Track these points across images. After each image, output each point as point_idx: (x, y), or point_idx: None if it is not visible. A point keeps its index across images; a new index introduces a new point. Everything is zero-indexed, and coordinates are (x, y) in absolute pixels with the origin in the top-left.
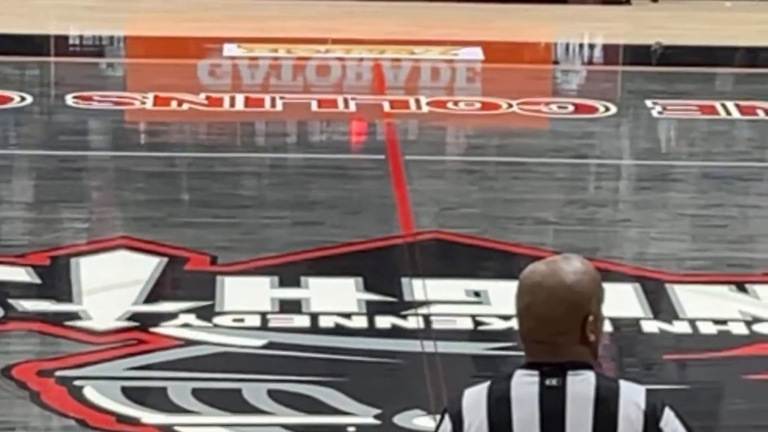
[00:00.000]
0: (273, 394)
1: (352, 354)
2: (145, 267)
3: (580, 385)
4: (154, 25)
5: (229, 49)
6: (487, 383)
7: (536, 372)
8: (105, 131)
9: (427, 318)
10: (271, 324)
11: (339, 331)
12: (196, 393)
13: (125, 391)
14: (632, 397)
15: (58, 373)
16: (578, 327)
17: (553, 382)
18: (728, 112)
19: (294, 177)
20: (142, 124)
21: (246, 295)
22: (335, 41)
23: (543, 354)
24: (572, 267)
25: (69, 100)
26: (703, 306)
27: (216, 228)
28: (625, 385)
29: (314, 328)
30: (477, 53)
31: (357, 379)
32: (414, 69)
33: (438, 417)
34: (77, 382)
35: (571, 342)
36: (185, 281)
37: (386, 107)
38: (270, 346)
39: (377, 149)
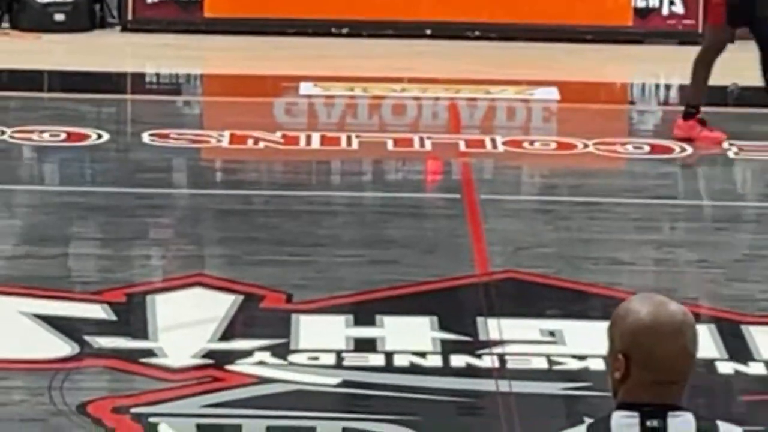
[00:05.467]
0: None
1: (427, 393)
2: (221, 304)
3: (681, 426)
4: (230, 63)
5: (306, 88)
6: (584, 425)
7: (636, 413)
8: (181, 169)
9: (501, 357)
10: (346, 362)
11: (413, 370)
12: (271, 431)
13: (200, 428)
14: None
15: (134, 410)
16: None
17: (654, 423)
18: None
19: (369, 215)
20: (218, 162)
21: (321, 333)
22: (411, 80)
23: (670, 395)
24: (674, 303)
25: (146, 137)
26: None
27: (292, 266)
28: (723, 426)
29: (389, 367)
30: (553, 93)
31: (431, 418)
32: (489, 108)
33: None
34: (153, 419)
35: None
36: (260, 319)
37: (462, 146)
38: (345, 384)
39: (453, 188)
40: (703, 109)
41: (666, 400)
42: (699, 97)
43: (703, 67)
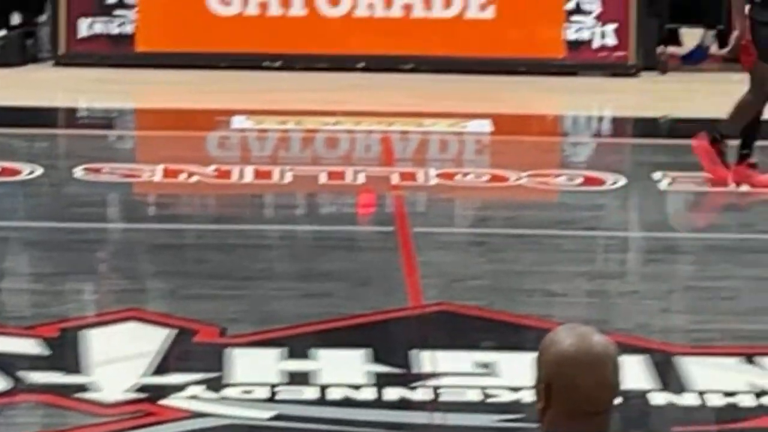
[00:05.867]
0: None
1: (361, 426)
2: (154, 339)
3: None
4: (162, 97)
5: (239, 121)
6: None
7: None
8: (114, 203)
9: (435, 390)
10: (280, 396)
11: (347, 403)
12: None
13: None
14: None
15: None
16: None
17: None
18: (737, 185)
19: (303, 249)
20: (151, 196)
21: (254, 366)
22: (344, 113)
23: (592, 426)
24: (599, 334)
25: (78, 172)
26: (712, 378)
27: (225, 300)
28: None
29: (323, 400)
30: (486, 125)
31: None
32: (422, 141)
33: None
34: None
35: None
36: (194, 353)
37: (395, 179)
38: (278, 417)
39: (386, 221)
40: (634, 140)
41: (589, 430)
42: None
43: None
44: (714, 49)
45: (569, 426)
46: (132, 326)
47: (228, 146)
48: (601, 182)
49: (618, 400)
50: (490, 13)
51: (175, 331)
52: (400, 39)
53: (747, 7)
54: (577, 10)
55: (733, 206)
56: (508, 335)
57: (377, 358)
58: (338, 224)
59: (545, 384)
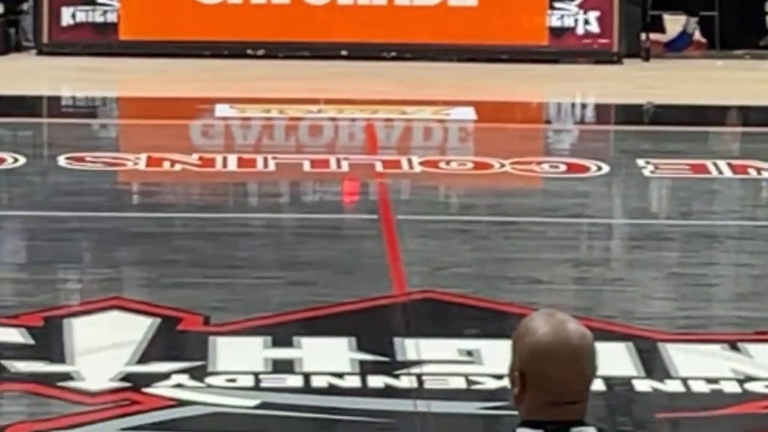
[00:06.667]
0: None
1: (345, 414)
2: (138, 327)
3: None
4: (146, 85)
5: (222, 110)
6: None
7: (540, 431)
8: (98, 192)
9: (419, 377)
10: (264, 384)
11: (332, 390)
12: None
13: None
14: None
15: None
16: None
17: None
18: (720, 171)
19: (287, 237)
20: (135, 185)
21: (239, 355)
22: (327, 101)
23: (568, 414)
24: (575, 323)
25: (62, 161)
26: (696, 365)
27: (209, 288)
28: None
29: (307, 388)
30: (469, 113)
31: None
32: (406, 129)
33: None
34: None
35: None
36: (178, 341)
37: (378, 167)
38: (263, 406)
39: (370, 209)
40: (618, 127)
41: (566, 418)
42: None
43: None
44: (697, 35)
45: (545, 414)
46: (116, 315)
47: (211, 135)
48: (585, 169)
49: (602, 388)
50: (473, 1)
51: (158, 320)
52: (383, 27)
53: None
54: None
55: (716, 193)
56: (491, 323)
57: (361, 346)
58: (322, 212)
59: (520, 372)
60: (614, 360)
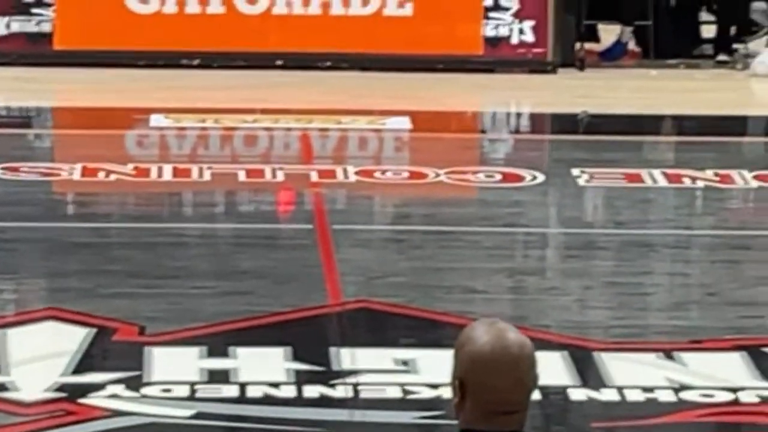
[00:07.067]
0: None
1: (281, 423)
2: (74, 338)
3: None
4: (80, 95)
5: (157, 120)
6: None
7: None
8: (33, 202)
9: (355, 387)
10: (200, 394)
11: (267, 400)
12: None
13: None
14: None
15: None
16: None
17: None
18: (655, 180)
19: (222, 247)
20: (70, 195)
21: (174, 365)
22: (263, 111)
23: (507, 424)
24: (515, 332)
25: None
26: (631, 373)
27: (144, 298)
28: None
29: (242, 398)
30: (405, 123)
31: None
32: (341, 138)
33: None
34: None
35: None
36: (113, 352)
37: (314, 177)
38: (198, 416)
39: (305, 219)
40: (553, 137)
41: (505, 428)
42: None
43: None
44: (632, 45)
45: (484, 424)
46: (51, 325)
47: (146, 144)
48: (520, 179)
49: (536, 396)
50: (408, 11)
51: (94, 330)
52: (318, 36)
53: None
54: (496, 6)
55: (651, 202)
56: (427, 332)
57: (297, 356)
58: (257, 222)
59: (459, 381)
60: (549, 369)
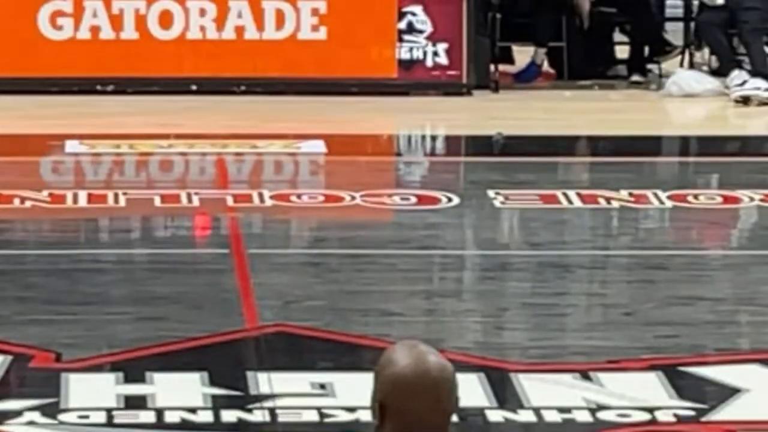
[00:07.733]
0: None
1: None
2: None
3: None
4: None
5: (72, 146)
6: None
7: None
8: None
9: (272, 411)
10: (117, 420)
11: (185, 425)
12: None
13: None
14: None
15: None
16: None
17: None
18: (570, 201)
19: (138, 272)
20: None
21: (91, 391)
22: (177, 136)
23: None
24: (436, 355)
25: None
26: (548, 394)
27: (60, 325)
28: None
29: (160, 424)
30: (319, 146)
31: None
32: (257, 162)
33: None
34: None
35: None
36: (30, 379)
37: (230, 201)
38: None
39: (221, 243)
40: (468, 159)
41: None
42: None
43: None
44: (546, 66)
45: None
46: None
47: (61, 171)
48: (436, 201)
49: (455, 419)
50: (322, 34)
51: (10, 357)
52: (231, 61)
53: None
54: (409, 29)
55: (566, 223)
56: (344, 355)
57: (213, 381)
58: (173, 247)
59: (380, 403)
60: (467, 391)
